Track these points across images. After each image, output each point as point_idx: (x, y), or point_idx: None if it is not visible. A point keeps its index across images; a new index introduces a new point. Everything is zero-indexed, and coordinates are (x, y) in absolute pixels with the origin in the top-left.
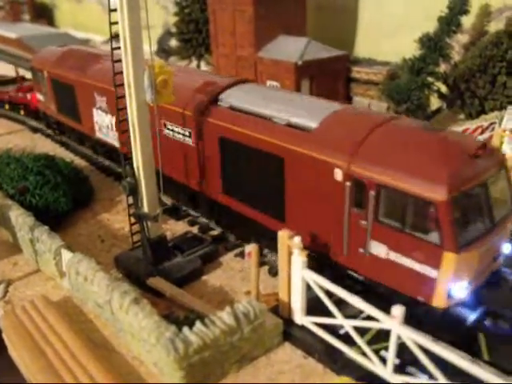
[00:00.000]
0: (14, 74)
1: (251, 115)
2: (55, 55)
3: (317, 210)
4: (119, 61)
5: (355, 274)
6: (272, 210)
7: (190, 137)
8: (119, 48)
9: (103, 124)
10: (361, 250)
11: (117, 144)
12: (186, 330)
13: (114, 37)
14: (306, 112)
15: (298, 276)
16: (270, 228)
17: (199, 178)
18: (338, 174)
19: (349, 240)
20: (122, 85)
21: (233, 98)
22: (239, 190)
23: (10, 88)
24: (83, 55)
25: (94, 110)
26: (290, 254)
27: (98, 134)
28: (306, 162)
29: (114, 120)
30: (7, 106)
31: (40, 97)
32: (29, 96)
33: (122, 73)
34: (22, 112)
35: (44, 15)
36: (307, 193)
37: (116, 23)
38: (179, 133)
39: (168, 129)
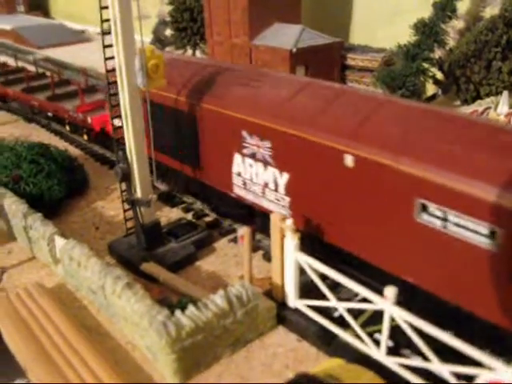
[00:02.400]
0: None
1: None
2: None
3: None
4: (110, 46)
5: None
6: None
7: (491, 238)
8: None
9: (255, 180)
10: None
11: (284, 211)
12: (178, 313)
13: (105, 21)
14: None
15: (290, 259)
16: None
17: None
18: None
19: None
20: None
21: None
22: None
23: (70, 105)
24: (204, 70)
25: (238, 157)
26: (282, 236)
27: (239, 192)
28: None
29: (285, 178)
30: (68, 127)
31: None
32: (89, 119)
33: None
34: (84, 137)
35: (39, 7)
36: None
37: (106, 7)
38: (461, 226)
39: (433, 215)
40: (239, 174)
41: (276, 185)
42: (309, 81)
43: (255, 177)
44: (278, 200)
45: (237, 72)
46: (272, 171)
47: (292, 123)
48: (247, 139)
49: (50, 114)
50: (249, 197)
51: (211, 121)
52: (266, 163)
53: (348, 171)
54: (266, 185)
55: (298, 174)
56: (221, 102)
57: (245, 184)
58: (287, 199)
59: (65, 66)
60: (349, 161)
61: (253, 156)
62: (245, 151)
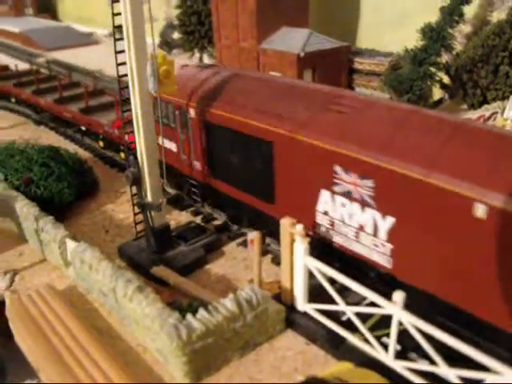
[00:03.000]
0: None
1: None
2: (210, 83)
3: None
4: (122, 51)
5: None
6: None
7: None
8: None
9: (347, 221)
10: None
11: (382, 259)
12: (189, 316)
13: (118, 27)
14: None
15: (300, 263)
16: None
17: None
18: None
19: None
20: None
21: None
22: None
23: (105, 119)
24: (273, 87)
25: (326, 194)
26: (292, 241)
27: (324, 232)
28: None
29: (388, 223)
30: (101, 143)
31: (167, 144)
32: (126, 136)
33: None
34: (121, 155)
35: (47, 9)
36: None
37: (119, 14)
38: None
39: None
40: (326, 213)
41: (375, 229)
42: (412, 108)
43: (348, 218)
44: (375, 246)
45: (313, 92)
46: (371, 213)
47: (404, 162)
48: (341, 175)
49: (83, 128)
50: (337, 239)
51: (292, 150)
52: (364, 204)
53: (478, 222)
54: (361, 228)
55: (407, 219)
56: (305, 130)
57: (332, 225)
58: (389, 246)
59: (95, 76)
60: (480, 211)
61: (347, 194)
62: (336, 188)
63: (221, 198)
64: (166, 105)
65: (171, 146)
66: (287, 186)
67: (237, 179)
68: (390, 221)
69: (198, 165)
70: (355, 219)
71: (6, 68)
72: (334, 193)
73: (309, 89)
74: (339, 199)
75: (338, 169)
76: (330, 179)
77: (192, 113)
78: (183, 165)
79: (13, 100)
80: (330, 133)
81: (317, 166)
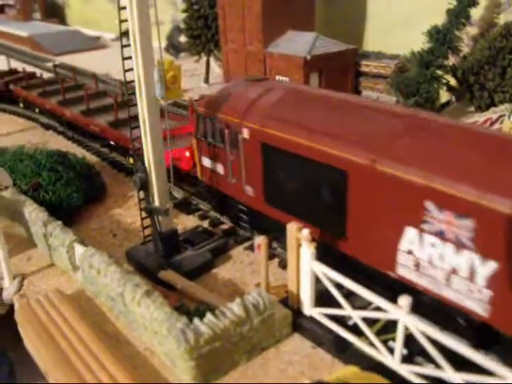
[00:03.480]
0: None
1: None
2: (265, 100)
3: None
4: (129, 58)
5: None
6: None
7: None
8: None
9: (436, 263)
10: None
11: (477, 306)
12: (196, 321)
13: (124, 33)
14: None
15: (306, 268)
16: None
17: None
18: None
19: None
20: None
21: None
22: None
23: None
24: (339, 106)
25: (412, 231)
26: (298, 246)
27: (406, 274)
28: None
29: (489, 268)
30: (131, 160)
31: (212, 165)
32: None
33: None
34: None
35: (55, 13)
36: None
37: (125, 21)
38: None
39: None
40: (410, 253)
41: (472, 273)
42: (509, 137)
43: (438, 259)
44: (470, 291)
45: (389, 114)
46: (468, 256)
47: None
48: (433, 213)
49: (111, 143)
50: (421, 281)
51: (372, 182)
52: (459, 245)
53: None
54: (454, 271)
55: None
56: (388, 159)
57: (417, 266)
58: (487, 293)
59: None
60: None
61: (439, 234)
62: (425, 226)
63: (275, 226)
64: (212, 122)
65: (216, 167)
66: (362, 219)
67: (297, 208)
68: (492, 265)
69: (249, 190)
70: (447, 261)
71: (33, 75)
72: (422, 231)
73: (384, 110)
74: (428, 238)
75: (429, 205)
76: (419, 216)
77: (245, 133)
78: (231, 188)
79: (36, 110)
80: (420, 164)
81: (403, 200)
